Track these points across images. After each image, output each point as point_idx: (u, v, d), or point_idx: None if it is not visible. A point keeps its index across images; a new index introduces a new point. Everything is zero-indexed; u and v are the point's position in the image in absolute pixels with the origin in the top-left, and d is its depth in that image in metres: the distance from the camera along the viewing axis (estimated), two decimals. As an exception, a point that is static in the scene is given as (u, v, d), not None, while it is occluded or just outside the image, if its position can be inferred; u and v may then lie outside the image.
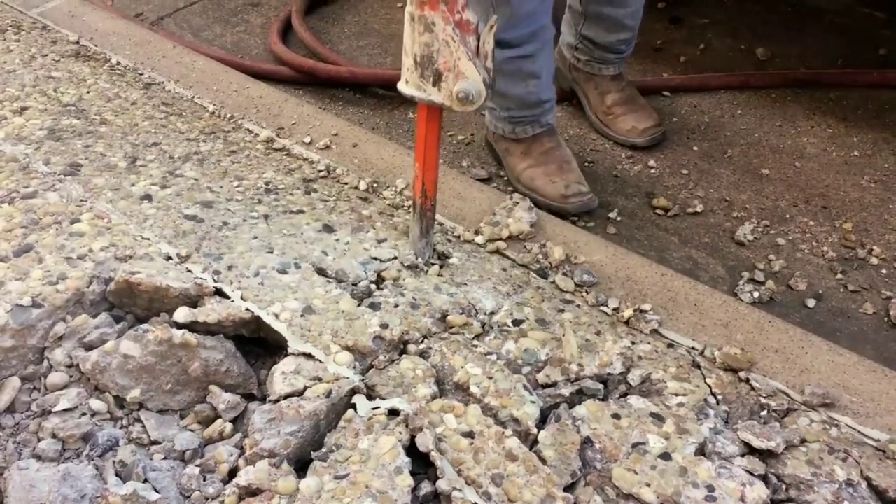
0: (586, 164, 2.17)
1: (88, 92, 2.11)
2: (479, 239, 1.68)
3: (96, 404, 1.30)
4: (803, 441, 1.27)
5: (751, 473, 1.20)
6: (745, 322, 1.50)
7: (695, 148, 2.24)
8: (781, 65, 2.59)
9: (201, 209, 1.66)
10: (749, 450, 1.25)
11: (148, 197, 1.68)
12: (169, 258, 1.51)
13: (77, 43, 2.40)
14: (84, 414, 1.30)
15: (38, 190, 1.65)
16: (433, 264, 1.58)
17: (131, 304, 1.46)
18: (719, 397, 1.35)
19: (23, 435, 1.27)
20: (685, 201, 2.04)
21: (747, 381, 1.38)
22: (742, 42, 2.71)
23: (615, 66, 2.25)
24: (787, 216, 1.99)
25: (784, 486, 1.20)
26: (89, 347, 1.36)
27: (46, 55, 2.29)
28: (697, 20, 2.86)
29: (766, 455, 1.24)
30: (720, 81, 2.49)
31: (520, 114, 1.99)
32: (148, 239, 1.56)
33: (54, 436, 1.26)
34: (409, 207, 1.70)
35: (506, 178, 2.10)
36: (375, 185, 1.84)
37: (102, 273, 1.46)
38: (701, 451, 1.24)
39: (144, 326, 1.37)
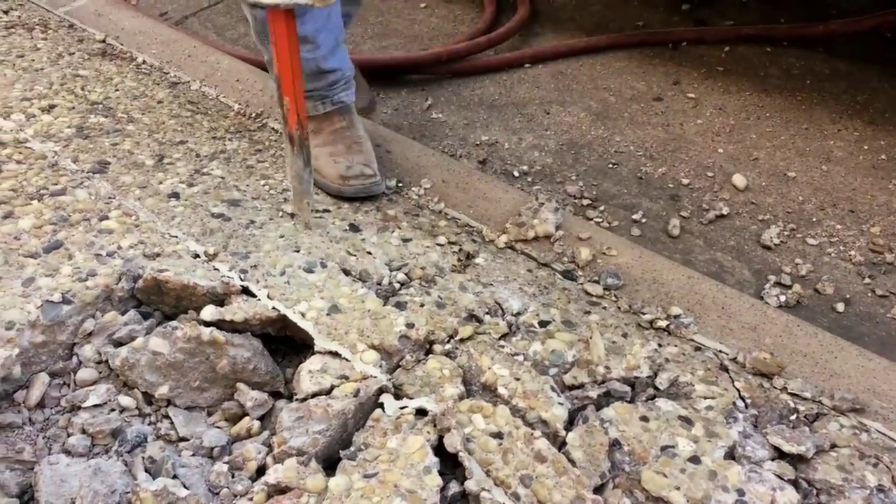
0: (610, 165, 2.17)
1: (115, 90, 2.12)
2: (505, 239, 1.68)
3: (125, 400, 1.31)
4: (833, 446, 1.26)
5: (781, 478, 1.19)
6: (773, 326, 1.49)
7: (720, 150, 2.23)
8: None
9: (228, 207, 1.67)
10: (779, 454, 1.24)
11: (175, 195, 1.69)
12: (196, 256, 1.52)
13: (103, 41, 2.42)
14: (113, 410, 1.30)
15: (67, 187, 1.66)
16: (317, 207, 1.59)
17: (159, 302, 1.47)
18: (748, 401, 1.34)
19: (52, 430, 1.28)
20: (710, 204, 2.03)
21: (776, 385, 1.37)
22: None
23: None
24: (814, 220, 1.98)
25: (815, 491, 1.19)
26: (118, 344, 1.37)
27: (73, 53, 2.31)
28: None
29: (796, 460, 1.23)
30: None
31: (307, 87, 1.76)
32: (175, 237, 1.56)
33: (84, 431, 1.26)
34: (430, 208, 1.71)
35: None
36: (400, 184, 1.84)
37: (131, 270, 1.46)
38: (730, 455, 1.23)
39: (173, 324, 1.37)
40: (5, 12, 2.57)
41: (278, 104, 1.50)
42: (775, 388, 1.37)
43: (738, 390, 1.35)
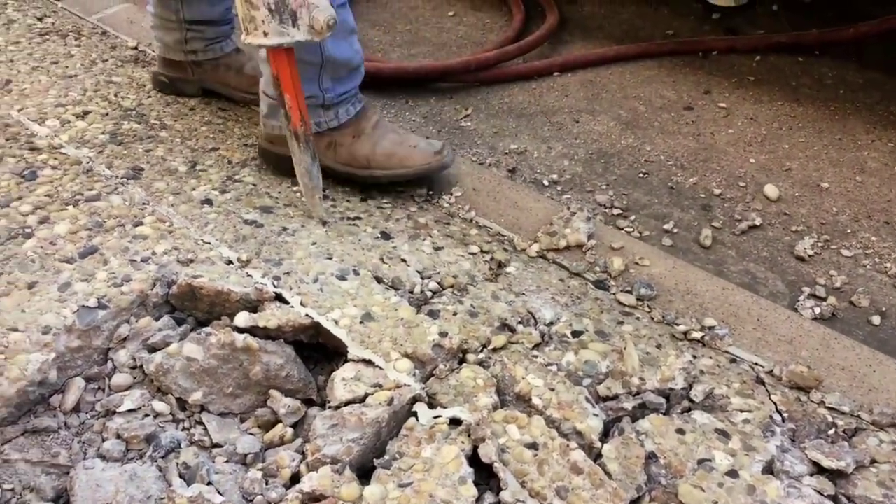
0: (640, 174, 2.15)
1: (148, 97, 2.14)
2: (537, 248, 1.67)
3: (159, 406, 1.32)
4: (873, 461, 1.24)
5: (820, 493, 1.17)
6: (810, 339, 1.47)
7: (752, 160, 2.21)
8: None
9: (260, 214, 1.68)
10: (818, 469, 1.22)
11: (208, 201, 1.70)
12: (229, 262, 1.53)
13: (135, 48, 2.44)
14: (147, 415, 1.31)
15: (102, 193, 1.68)
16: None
17: (192, 308, 1.47)
18: (785, 415, 1.32)
19: (87, 434, 1.28)
20: (743, 214, 2.01)
21: (814, 399, 1.35)
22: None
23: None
24: (849, 231, 1.95)
25: (855, 508, 1.18)
26: (152, 349, 1.38)
27: (107, 60, 2.33)
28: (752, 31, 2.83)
29: (835, 475, 1.21)
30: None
31: (344, 89, 1.78)
32: (209, 243, 1.57)
33: (118, 436, 1.27)
34: (461, 217, 1.70)
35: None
36: (431, 192, 1.84)
37: (165, 276, 1.47)
38: (768, 470, 1.21)
39: (207, 330, 1.38)
40: (39, 19, 2.61)
41: (279, 104, 1.58)
42: (812, 401, 1.35)
43: (774, 404, 1.34)
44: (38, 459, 1.22)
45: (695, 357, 1.42)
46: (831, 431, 1.30)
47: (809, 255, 1.87)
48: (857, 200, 2.05)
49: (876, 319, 1.70)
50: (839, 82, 2.55)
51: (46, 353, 1.29)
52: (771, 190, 2.08)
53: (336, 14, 1.45)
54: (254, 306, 1.44)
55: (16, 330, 1.31)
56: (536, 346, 1.42)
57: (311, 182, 1.64)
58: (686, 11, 3.04)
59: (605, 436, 1.26)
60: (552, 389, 1.30)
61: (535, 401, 1.28)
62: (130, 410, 1.30)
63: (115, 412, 1.30)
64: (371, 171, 1.80)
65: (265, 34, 1.43)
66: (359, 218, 1.71)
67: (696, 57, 2.73)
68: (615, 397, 1.32)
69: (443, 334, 1.39)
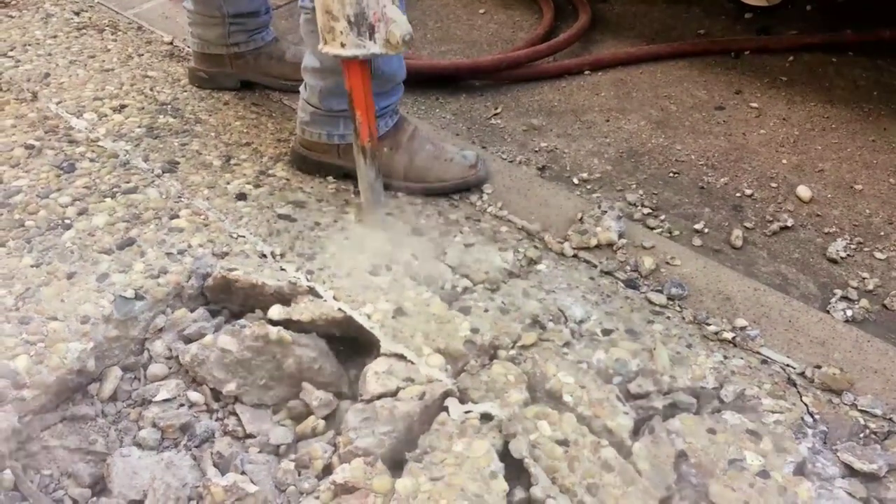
0: (670, 174, 2.15)
1: (183, 91, 2.16)
2: (567, 247, 1.67)
3: (194, 396, 1.34)
4: (906, 465, 1.23)
5: (852, 496, 1.17)
6: (842, 341, 1.46)
7: (784, 161, 2.20)
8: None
9: (293, 209, 1.69)
10: (849, 472, 1.22)
11: (242, 196, 1.72)
12: (263, 256, 1.54)
13: (171, 44, 2.47)
14: (182, 405, 1.33)
15: (139, 186, 1.70)
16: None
17: (227, 300, 1.50)
18: (817, 417, 1.31)
19: (124, 423, 1.31)
20: (774, 215, 2.00)
21: (845, 401, 1.34)
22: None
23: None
24: (882, 233, 1.93)
25: (887, 511, 1.17)
26: (188, 340, 1.40)
27: (142, 55, 2.36)
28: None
29: (867, 478, 1.21)
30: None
31: (387, 103, 1.81)
32: (243, 236, 1.59)
33: (154, 425, 1.29)
34: (492, 214, 1.71)
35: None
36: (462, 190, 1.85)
37: (200, 268, 1.49)
38: (800, 471, 1.21)
39: (241, 322, 1.40)
40: (76, 14, 2.65)
41: (350, 118, 1.57)
42: (844, 404, 1.35)
43: (806, 405, 1.33)
44: (75, 446, 1.25)
45: (725, 357, 1.42)
46: (863, 434, 1.29)
47: (842, 258, 1.86)
48: (890, 202, 2.03)
49: (909, 323, 1.69)
50: (874, 84, 2.52)
51: (85, 342, 1.32)
52: (803, 191, 2.07)
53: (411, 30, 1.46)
54: (287, 300, 1.46)
55: (55, 319, 1.34)
56: (567, 344, 1.42)
57: (373, 197, 1.66)
58: (718, 11, 3.02)
59: (635, 434, 1.26)
60: (583, 387, 1.30)
61: (566, 398, 1.29)
62: (166, 400, 1.33)
63: (151, 401, 1.33)
64: (408, 183, 1.84)
65: (342, 45, 1.45)
66: (390, 214, 1.72)
67: (727, 57, 2.71)
68: (646, 395, 1.33)
69: (474, 330, 1.40)
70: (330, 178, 1.84)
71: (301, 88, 1.82)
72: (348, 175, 1.81)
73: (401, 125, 1.87)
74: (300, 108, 1.83)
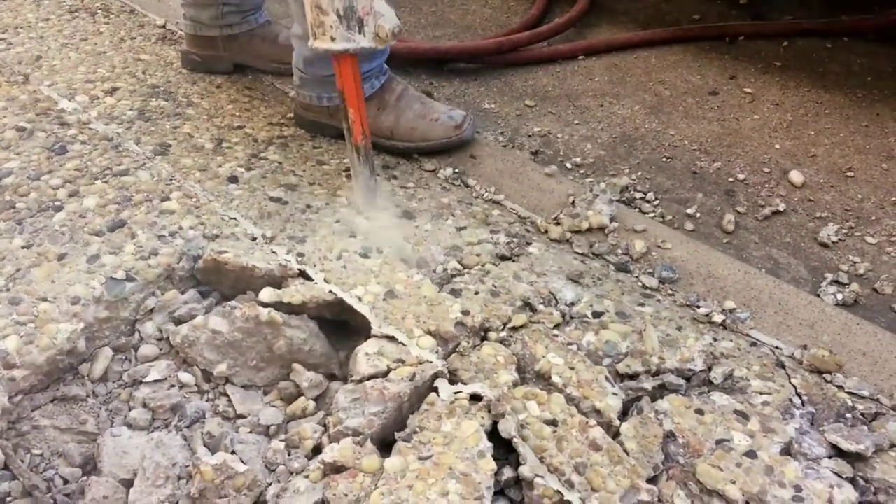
0: (663, 159, 2.15)
1: (175, 74, 2.16)
2: (559, 230, 1.67)
3: (185, 377, 1.34)
4: (892, 445, 1.24)
5: (839, 475, 1.17)
6: (831, 324, 1.47)
7: (777, 146, 2.20)
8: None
9: (285, 192, 1.69)
10: (836, 452, 1.22)
11: (234, 178, 1.72)
12: (254, 239, 1.54)
13: (163, 27, 2.46)
14: (173, 386, 1.33)
15: (130, 168, 1.70)
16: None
17: (217, 283, 1.50)
18: (805, 398, 1.32)
19: (115, 403, 1.31)
20: (766, 200, 2.00)
21: (834, 382, 1.35)
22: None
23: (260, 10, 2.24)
24: (873, 218, 1.94)
25: (872, 490, 1.18)
26: (178, 322, 1.40)
27: (135, 38, 2.35)
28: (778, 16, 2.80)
29: (854, 458, 1.22)
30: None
31: (369, 66, 1.86)
32: (234, 219, 1.59)
33: (145, 405, 1.30)
34: (484, 197, 1.71)
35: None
36: (456, 171, 1.84)
37: (191, 250, 1.49)
38: (787, 451, 1.21)
39: (232, 304, 1.40)
40: (69, -3, 2.63)
41: (342, 117, 1.60)
42: (833, 385, 1.35)
43: (794, 387, 1.34)
44: (66, 426, 1.25)
45: (715, 339, 1.43)
46: (851, 415, 1.30)
47: (833, 242, 1.86)
48: (882, 187, 2.04)
49: (899, 306, 1.70)
50: (867, 69, 2.52)
51: (75, 323, 1.32)
52: (796, 176, 2.07)
53: (400, 24, 1.49)
54: (278, 282, 1.46)
55: (46, 300, 1.34)
56: (557, 326, 1.43)
57: (369, 195, 1.67)
58: (713, -4, 3.02)
59: (623, 415, 1.27)
60: (572, 368, 1.31)
61: (555, 379, 1.29)
62: (157, 381, 1.33)
63: (141, 382, 1.33)
64: (394, 142, 1.91)
65: (332, 39, 1.47)
66: (382, 198, 1.72)
67: (722, 42, 2.71)
68: (635, 376, 1.33)
69: (465, 312, 1.40)
70: (323, 161, 1.83)
71: (294, 54, 1.88)
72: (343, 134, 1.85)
73: (388, 85, 1.93)
74: (294, 71, 1.92)
